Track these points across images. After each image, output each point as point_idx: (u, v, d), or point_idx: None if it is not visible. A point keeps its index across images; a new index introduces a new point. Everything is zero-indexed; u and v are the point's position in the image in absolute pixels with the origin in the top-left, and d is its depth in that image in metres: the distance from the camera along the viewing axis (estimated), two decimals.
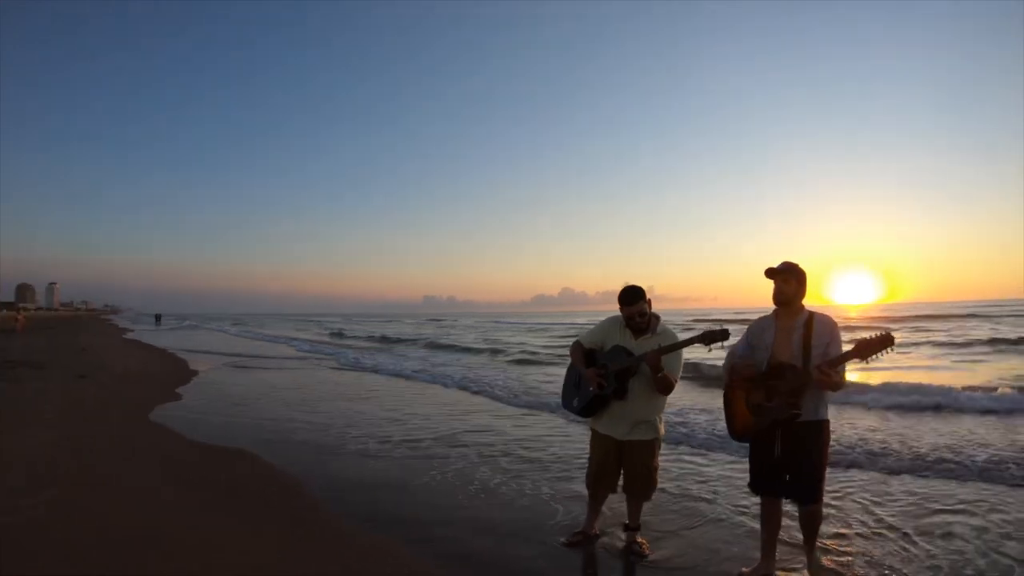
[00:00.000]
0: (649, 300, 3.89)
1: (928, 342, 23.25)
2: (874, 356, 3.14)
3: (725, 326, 3.76)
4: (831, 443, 3.59)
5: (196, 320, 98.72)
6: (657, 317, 3.95)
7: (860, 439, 7.07)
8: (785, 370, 3.35)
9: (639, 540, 4.00)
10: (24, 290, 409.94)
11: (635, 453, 3.91)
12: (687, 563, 3.81)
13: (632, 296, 3.86)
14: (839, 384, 3.25)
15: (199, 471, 5.95)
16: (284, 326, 65.86)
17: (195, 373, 15.34)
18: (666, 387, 3.78)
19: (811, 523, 3.53)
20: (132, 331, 45.29)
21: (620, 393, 3.86)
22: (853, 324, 33.19)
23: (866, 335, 3.16)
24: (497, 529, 4.39)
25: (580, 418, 4.31)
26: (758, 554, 3.65)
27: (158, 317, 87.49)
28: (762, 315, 3.69)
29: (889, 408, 9.50)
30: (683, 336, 3.81)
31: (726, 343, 3.66)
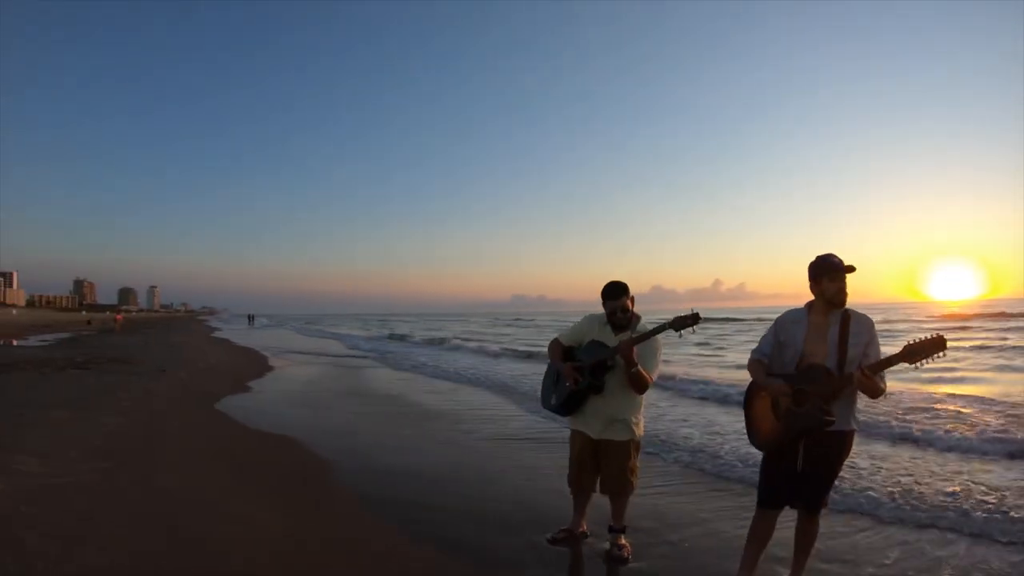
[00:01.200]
0: (632, 297, 3.89)
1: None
2: (924, 360, 2.88)
3: (697, 310, 3.65)
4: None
5: (291, 321, 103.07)
6: (638, 316, 3.94)
7: None
8: (818, 372, 3.08)
9: (621, 543, 3.95)
10: (126, 293, 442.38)
11: (610, 453, 3.89)
12: (669, 573, 3.75)
13: (615, 291, 3.86)
14: (882, 390, 2.99)
15: (242, 452, 6.61)
16: (374, 326, 68.02)
17: (270, 368, 16.42)
18: (640, 384, 3.74)
19: (808, 536, 3.34)
20: (221, 330, 48.06)
21: (596, 388, 3.85)
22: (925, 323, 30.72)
23: (916, 336, 2.92)
24: (491, 520, 4.58)
25: (560, 417, 4.27)
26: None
27: (251, 317, 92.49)
28: (792, 308, 3.43)
29: None
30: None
31: (696, 327, 3.63)
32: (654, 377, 3.82)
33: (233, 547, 3.89)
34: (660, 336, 3.79)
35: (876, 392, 2.97)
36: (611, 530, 3.98)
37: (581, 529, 4.20)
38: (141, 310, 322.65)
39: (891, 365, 2.95)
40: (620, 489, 3.90)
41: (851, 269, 3.17)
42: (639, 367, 3.68)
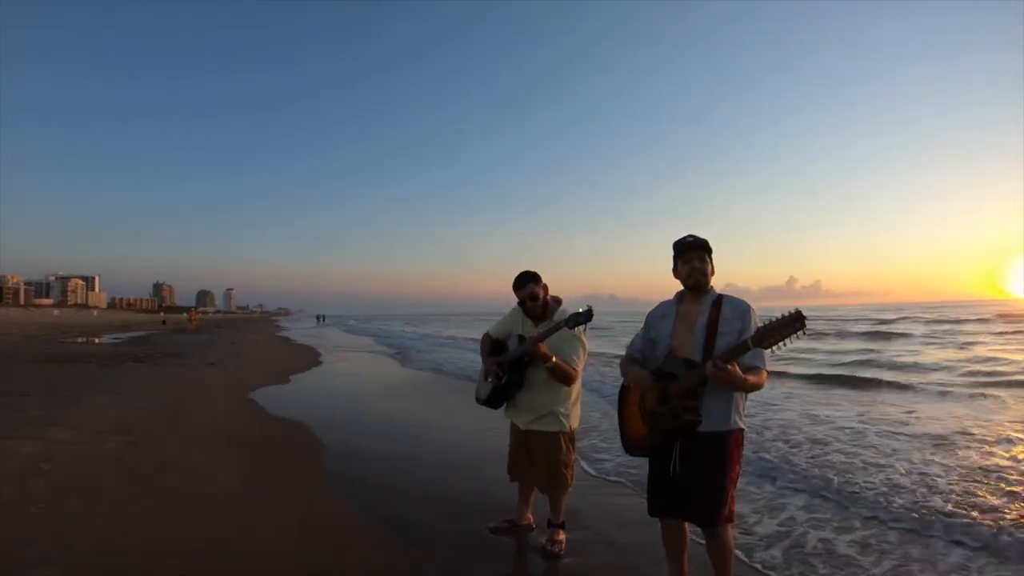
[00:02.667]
0: (544, 286, 3.87)
1: None
2: (782, 342, 2.52)
3: (591, 306, 3.56)
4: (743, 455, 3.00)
5: (362, 320, 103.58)
6: (558, 301, 3.91)
7: None
8: (679, 366, 2.80)
9: (557, 538, 3.88)
10: (203, 295, 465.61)
11: (538, 443, 3.88)
12: (598, 571, 3.70)
13: (521, 280, 3.84)
14: (746, 382, 2.67)
15: (248, 432, 7.42)
16: (437, 325, 70.04)
17: (318, 364, 17.49)
18: (561, 376, 3.72)
19: (718, 553, 2.96)
20: (288, 330, 50.38)
21: (516, 383, 3.87)
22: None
23: (773, 316, 2.57)
24: (449, 505, 4.77)
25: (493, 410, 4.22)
26: None
27: (321, 317, 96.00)
28: (664, 300, 3.19)
29: None
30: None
31: (590, 323, 3.61)
32: (579, 366, 3.80)
33: (195, 500, 4.65)
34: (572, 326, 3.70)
35: (741, 385, 2.69)
36: (549, 524, 3.96)
37: (526, 521, 4.19)
38: (218, 311, 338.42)
39: (742, 352, 2.64)
40: (553, 483, 3.85)
41: (703, 246, 2.97)
42: (556, 360, 3.67)
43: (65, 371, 12.76)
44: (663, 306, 3.13)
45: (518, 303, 3.93)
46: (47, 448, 5.73)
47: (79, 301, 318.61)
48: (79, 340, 28.00)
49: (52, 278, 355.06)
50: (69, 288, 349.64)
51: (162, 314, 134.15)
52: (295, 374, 14.22)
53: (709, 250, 2.98)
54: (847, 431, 7.30)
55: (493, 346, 4.10)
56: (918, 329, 32.14)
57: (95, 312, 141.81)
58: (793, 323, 2.48)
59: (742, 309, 2.87)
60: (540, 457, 3.88)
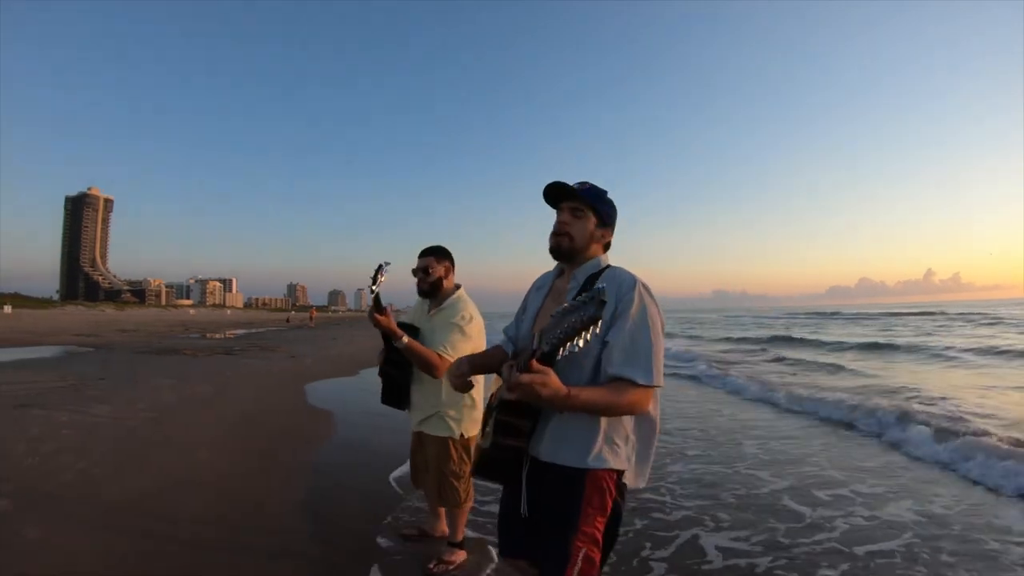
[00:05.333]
0: (447, 265, 3.59)
1: None
2: (586, 333, 1.60)
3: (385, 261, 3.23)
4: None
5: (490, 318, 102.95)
6: (452, 289, 3.61)
7: None
8: (519, 359, 1.90)
9: (447, 558, 3.60)
10: (335, 295, 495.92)
11: (425, 446, 3.64)
12: None
13: (424, 251, 3.60)
14: (568, 400, 1.78)
15: (272, 417, 8.31)
16: None
17: None
18: (421, 362, 3.37)
19: None
20: None
21: (399, 374, 3.58)
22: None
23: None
24: (371, 506, 4.74)
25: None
26: None
27: None
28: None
29: None
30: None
31: (384, 273, 3.23)
32: (447, 353, 3.35)
33: (163, 467, 5.52)
34: (461, 306, 3.51)
35: (562, 405, 1.80)
36: (448, 542, 3.75)
37: (439, 533, 3.96)
38: (349, 310, 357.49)
39: (560, 345, 1.66)
40: (443, 495, 3.57)
41: (570, 193, 2.15)
42: (409, 341, 3.35)
43: (154, 360, 14.86)
44: (544, 276, 2.39)
45: None
46: (81, 420, 7.03)
47: (216, 302, 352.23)
48: (192, 336, 31.00)
49: (192, 281, 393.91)
50: (207, 290, 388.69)
51: (292, 312, 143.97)
52: (367, 368, 15.06)
53: (586, 201, 2.14)
54: None
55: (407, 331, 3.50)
56: None
57: (228, 311, 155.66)
58: (584, 310, 1.59)
59: (622, 287, 1.99)
60: (427, 460, 3.65)
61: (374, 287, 3.17)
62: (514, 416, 1.93)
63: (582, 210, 2.14)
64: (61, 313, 77.61)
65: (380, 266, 3.18)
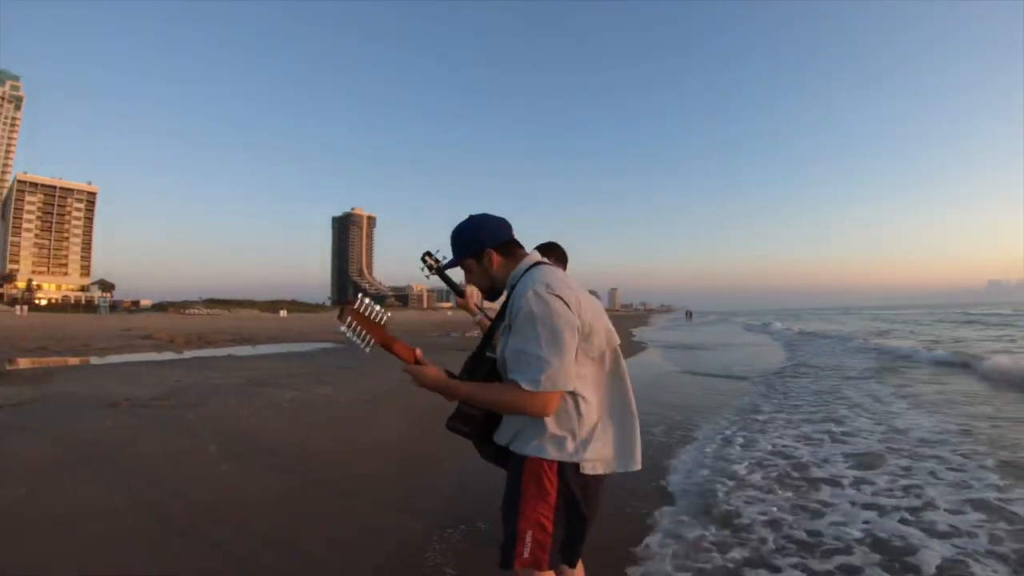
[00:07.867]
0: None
1: None
2: (363, 329, 2.18)
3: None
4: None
5: (744, 317, 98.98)
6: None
7: None
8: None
9: None
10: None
11: None
12: None
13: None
14: (447, 390, 2.16)
15: (383, 420, 9.37)
16: (811, 319, 66.08)
17: None
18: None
19: None
20: (649, 327, 53.36)
21: None
22: None
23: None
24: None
25: None
26: None
27: (688, 313, 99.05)
28: None
29: None
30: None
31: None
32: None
33: (366, 440, 6.84)
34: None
35: (444, 393, 2.18)
36: None
37: None
38: (614, 309, 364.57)
39: (395, 346, 2.21)
40: None
41: (441, 267, 2.76)
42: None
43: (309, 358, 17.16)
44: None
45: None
46: (299, 396, 8.99)
47: None
48: (452, 335, 33.66)
49: None
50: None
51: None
52: None
53: (456, 260, 2.39)
54: None
55: None
56: None
57: (449, 313, 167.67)
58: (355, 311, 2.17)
59: (516, 299, 2.15)
60: None
61: (428, 273, 2.99)
62: (468, 406, 2.23)
63: (463, 264, 2.36)
64: (328, 316, 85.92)
65: (427, 253, 3.04)
